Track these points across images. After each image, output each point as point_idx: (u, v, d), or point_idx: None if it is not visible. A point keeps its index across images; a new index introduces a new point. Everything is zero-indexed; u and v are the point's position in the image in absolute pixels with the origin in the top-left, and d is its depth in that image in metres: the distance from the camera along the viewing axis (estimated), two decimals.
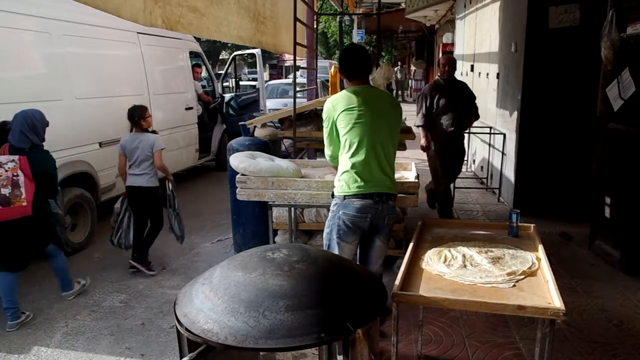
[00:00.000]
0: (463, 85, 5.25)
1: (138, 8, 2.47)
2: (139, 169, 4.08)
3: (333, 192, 2.68)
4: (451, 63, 5.01)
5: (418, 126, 5.13)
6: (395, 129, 2.72)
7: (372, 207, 2.56)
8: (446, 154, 5.11)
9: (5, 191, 3.09)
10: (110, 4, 2.29)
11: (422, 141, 5.14)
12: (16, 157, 3.21)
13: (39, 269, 4.26)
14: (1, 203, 3.11)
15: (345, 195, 2.57)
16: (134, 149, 4.06)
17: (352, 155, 2.54)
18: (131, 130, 4.18)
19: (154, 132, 4.44)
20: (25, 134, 3.32)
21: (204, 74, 8.65)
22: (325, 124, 2.66)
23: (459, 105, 4.98)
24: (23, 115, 3.37)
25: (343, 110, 2.54)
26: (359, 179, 2.53)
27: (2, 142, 3.36)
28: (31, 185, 3.24)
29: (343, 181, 2.58)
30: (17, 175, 3.16)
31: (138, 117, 4.10)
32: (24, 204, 3.20)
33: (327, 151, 2.76)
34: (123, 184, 4.26)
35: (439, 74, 5.18)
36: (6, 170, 3.14)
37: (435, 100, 4.96)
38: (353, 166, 2.54)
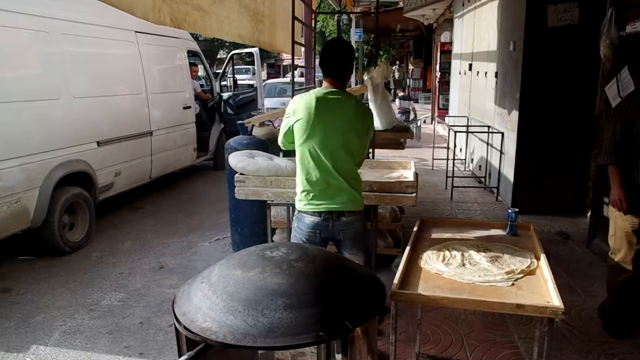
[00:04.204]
0: None
1: (148, 6, 2.49)
2: None
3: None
4: None
5: (603, 165, 3.02)
6: (360, 139, 2.53)
7: (321, 225, 2.50)
8: None
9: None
10: (124, 1, 2.29)
11: (614, 192, 2.88)
12: None
13: (36, 270, 4.26)
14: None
15: (299, 210, 2.55)
16: None
17: (304, 171, 2.47)
18: None
19: None
20: None
21: (201, 73, 8.63)
22: (285, 116, 2.55)
23: None
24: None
25: (300, 119, 2.43)
26: (309, 196, 2.48)
27: None
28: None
29: (298, 194, 2.55)
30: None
31: None
32: None
33: (280, 137, 2.62)
34: None
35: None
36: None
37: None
38: (304, 182, 2.49)
